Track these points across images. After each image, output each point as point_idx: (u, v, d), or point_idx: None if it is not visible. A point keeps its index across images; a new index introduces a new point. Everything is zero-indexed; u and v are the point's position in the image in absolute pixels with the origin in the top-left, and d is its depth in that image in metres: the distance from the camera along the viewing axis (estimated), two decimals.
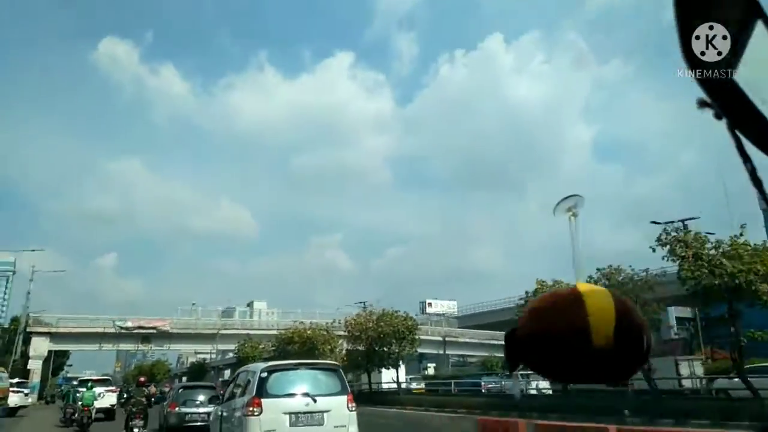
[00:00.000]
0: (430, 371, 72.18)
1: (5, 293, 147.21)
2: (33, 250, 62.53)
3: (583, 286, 1.03)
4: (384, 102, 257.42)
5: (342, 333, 39.07)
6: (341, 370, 10.57)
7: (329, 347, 38.59)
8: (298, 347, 39.71)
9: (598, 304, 0.99)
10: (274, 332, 53.53)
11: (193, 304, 63.59)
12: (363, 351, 35.53)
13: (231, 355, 78.53)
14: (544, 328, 1.02)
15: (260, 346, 50.42)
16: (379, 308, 37.32)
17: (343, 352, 39.86)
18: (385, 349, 34.57)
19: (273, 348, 45.01)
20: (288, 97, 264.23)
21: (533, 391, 32.15)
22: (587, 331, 0.96)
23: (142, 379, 20.61)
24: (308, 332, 39.70)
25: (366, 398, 31.56)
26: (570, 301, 1.00)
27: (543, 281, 25.97)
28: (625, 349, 0.97)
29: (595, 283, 19.34)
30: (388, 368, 36.93)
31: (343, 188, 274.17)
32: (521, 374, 28.43)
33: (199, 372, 71.83)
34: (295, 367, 10.23)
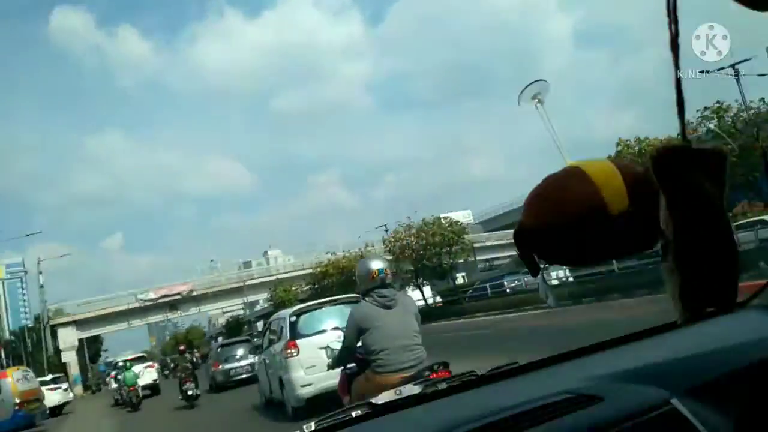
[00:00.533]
0: (459, 281, 70.53)
1: (23, 294, 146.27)
2: (27, 235, 58.52)
3: (579, 162, 0.91)
4: (354, 25, 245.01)
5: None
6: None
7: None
8: (335, 279, 37.00)
9: (602, 172, 0.88)
10: (307, 271, 51.24)
11: (212, 260, 60.88)
12: (411, 268, 32.59)
13: (261, 305, 77.11)
14: (554, 213, 0.88)
15: (293, 288, 48.00)
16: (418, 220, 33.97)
17: None
18: (435, 260, 31.59)
19: (308, 287, 42.49)
20: (254, 38, 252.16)
21: (555, 282, 29.10)
22: (600, 201, 0.85)
23: (182, 347, 21.03)
24: (343, 262, 36.78)
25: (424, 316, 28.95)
26: (572, 178, 0.89)
27: (627, 140, 23.08)
28: (643, 212, 0.86)
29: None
30: (443, 280, 34.20)
31: (328, 122, 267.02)
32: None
33: (235, 329, 70.27)
34: (320, 305, 10.76)
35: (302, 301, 53.86)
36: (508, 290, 31.65)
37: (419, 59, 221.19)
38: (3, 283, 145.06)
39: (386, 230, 50.67)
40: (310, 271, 52.62)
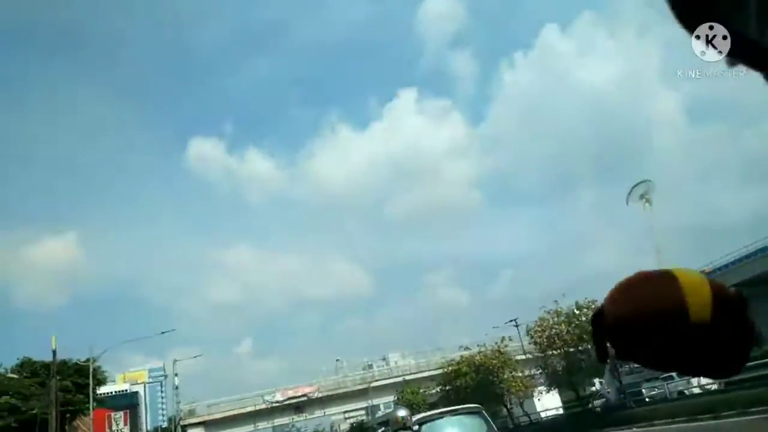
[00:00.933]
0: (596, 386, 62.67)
1: (162, 397, 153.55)
2: (195, 357, 61.88)
3: (673, 268, 0.95)
4: (456, 126, 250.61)
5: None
6: (483, 411, 11.21)
7: (509, 371, 31.90)
8: (468, 380, 33.35)
9: (692, 281, 0.92)
10: (435, 371, 47.86)
11: (338, 359, 59.21)
12: (562, 361, 28.37)
13: (382, 410, 72.86)
14: (635, 306, 0.92)
15: (420, 390, 44.53)
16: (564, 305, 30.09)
17: (525, 373, 33.12)
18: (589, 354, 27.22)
19: (439, 387, 38.93)
20: (366, 148, 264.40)
21: (696, 390, 24.18)
22: (683, 306, 0.89)
23: None
24: (478, 358, 33.21)
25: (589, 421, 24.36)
26: (662, 279, 0.93)
27: None
28: (726, 330, 0.89)
29: None
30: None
31: (439, 222, 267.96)
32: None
33: None
34: (440, 415, 11.03)
35: (432, 404, 50.02)
36: (646, 399, 27.22)
37: (522, 153, 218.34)
38: (145, 387, 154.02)
39: (516, 325, 46.43)
40: (440, 371, 49.11)
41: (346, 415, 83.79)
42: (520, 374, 32.52)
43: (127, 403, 69.85)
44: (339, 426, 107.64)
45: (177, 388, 59.34)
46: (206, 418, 52.87)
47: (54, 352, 25.22)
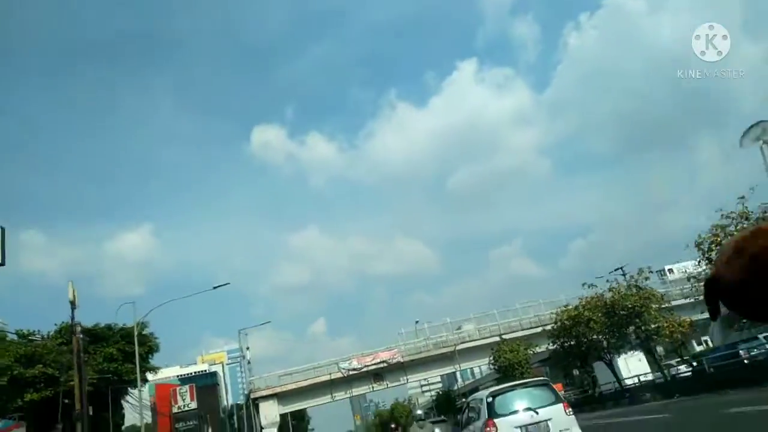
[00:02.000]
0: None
1: (241, 377, 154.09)
2: (263, 323, 58.27)
3: None
4: (520, 94, 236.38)
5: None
6: (551, 383, 12.67)
7: (654, 307, 24.34)
8: (594, 325, 25.91)
9: None
10: (535, 329, 40.82)
11: (417, 321, 52.73)
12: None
13: (477, 375, 66.28)
14: (752, 270, 0.91)
15: (522, 348, 37.37)
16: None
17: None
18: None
19: (550, 341, 31.74)
20: (425, 124, 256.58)
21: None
22: None
23: (393, 426, 19.37)
24: (610, 295, 25.67)
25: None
26: None
27: None
28: None
29: None
30: None
31: (506, 193, 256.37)
32: None
33: (445, 403, 60.22)
34: (512, 388, 12.16)
35: (542, 362, 42.51)
36: (745, 361, 24.29)
37: (590, 116, 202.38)
38: (224, 367, 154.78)
39: (624, 273, 38.13)
40: (539, 328, 41.77)
41: (424, 388, 77.60)
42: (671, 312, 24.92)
43: (208, 382, 68.33)
44: (417, 400, 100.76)
45: (249, 362, 55.15)
46: (278, 389, 47.89)
47: (72, 303, 19.82)
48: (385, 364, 48.88)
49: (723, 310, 0.98)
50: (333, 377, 48.31)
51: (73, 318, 20.32)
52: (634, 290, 25.06)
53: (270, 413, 46.87)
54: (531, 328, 48.15)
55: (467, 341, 50.92)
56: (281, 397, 48.42)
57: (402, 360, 49.14)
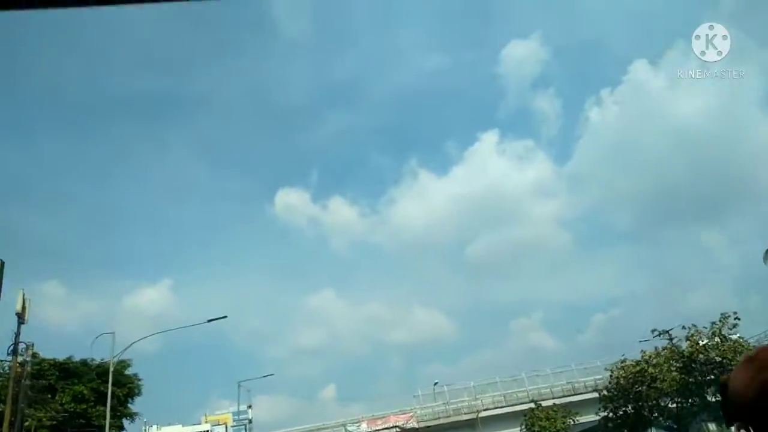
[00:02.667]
0: None
1: None
2: (265, 376, 52.49)
3: None
4: (541, 166, 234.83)
5: None
6: None
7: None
8: (664, 382, 21.05)
9: None
10: (570, 398, 35.51)
11: (436, 383, 47.32)
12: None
13: None
14: (759, 389, 0.90)
15: (559, 416, 32.07)
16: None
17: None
18: None
19: (601, 406, 26.62)
20: (446, 193, 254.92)
21: None
22: None
23: None
24: (688, 345, 20.98)
25: None
26: None
27: None
28: None
29: None
30: None
31: (525, 264, 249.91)
32: None
33: None
34: None
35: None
36: None
37: (612, 190, 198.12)
38: (227, 429, 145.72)
39: (671, 338, 33.19)
40: (583, 396, 36.52)
41: None
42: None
43: None
44: None
45: (251, 421, 50.41)
46: None
47: (19, 316, 15.61)
48: (398, 430, 43.34)
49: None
50: None
51: (18, 336, 16.10)
52: (718, 341, 20.31)
53: None
54: (565, 396, 42.63)
55: (491, 408, 45.29)
56: None
57: (417, 426, 43.60)
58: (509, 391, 46.57)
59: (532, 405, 37.95)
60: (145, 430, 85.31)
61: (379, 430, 43.09)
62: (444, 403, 45.57)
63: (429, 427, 44.14)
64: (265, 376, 42.74)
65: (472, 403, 45.64)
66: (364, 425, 43.29)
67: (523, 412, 36.83)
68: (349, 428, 43.18)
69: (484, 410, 44.79)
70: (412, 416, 43.96)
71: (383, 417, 44.10)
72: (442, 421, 44.26)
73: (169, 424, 71.52)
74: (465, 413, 44.73)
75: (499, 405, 45.47)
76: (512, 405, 44.91)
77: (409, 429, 43.44)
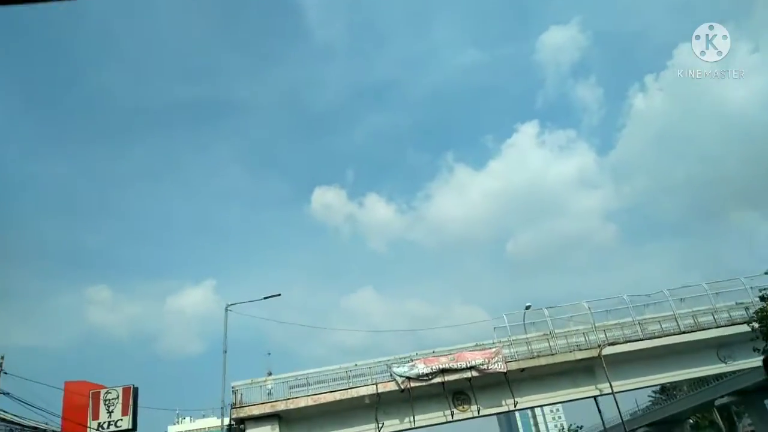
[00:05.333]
0: None
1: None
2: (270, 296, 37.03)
3: None
4: (583, 157, 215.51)
5: None
6: None
7: None
8: None
9: None
10: None
11: (528, 306, 30.68)
12: None
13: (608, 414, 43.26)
14: None
15: None
16: None
17: None
18: None
19: None
20: (484, 187, 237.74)
21: None
22: None
23: None
24: None
25: None
26: None
27: None
28: None
29: None
30: None
31: (568, 258, 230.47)
32: None
33: None
34: None
35: None
36: None
37: (658, 180, 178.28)
38: None
39: None
40: None
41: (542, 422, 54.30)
42: None
43: None
44: None
45: None
46: (281, 406, 26.66)
47: None
48: (475, 374, 27.07)
49: None
50: (381, 391, 26.80)
51: None
52: None
53: None
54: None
55: (622, 342, 28.53)
56: (287, 420, 27.17)
57: (505, 369, 27.21)
58: (645, 317, 29.73)
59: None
60: (178, 420, 74.76)
61: (445, 370, 26.94)
62: (546, 335, 28.99)
63: (523, 371, 27.74)
64: (269, 297, 27.18)
65: (591, 337, 28.93)
66: (420, 365, 27.18)
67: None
68: (396, 369, 27.16)
69: (609, 345, 28.13)
70: (496, 353, 27.63)
71: (451, 354, 27.86)
72: (544, 361, 27.78)
73: (203, 416, 70.06)
74: (582, 349, 28.17)
75: (633, 337, 28.71)
76: (651, 338, 28.31)
77: (492, 372, 27.14)
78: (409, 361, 27.67)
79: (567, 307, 29.90)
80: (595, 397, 28.76)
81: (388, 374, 27.43)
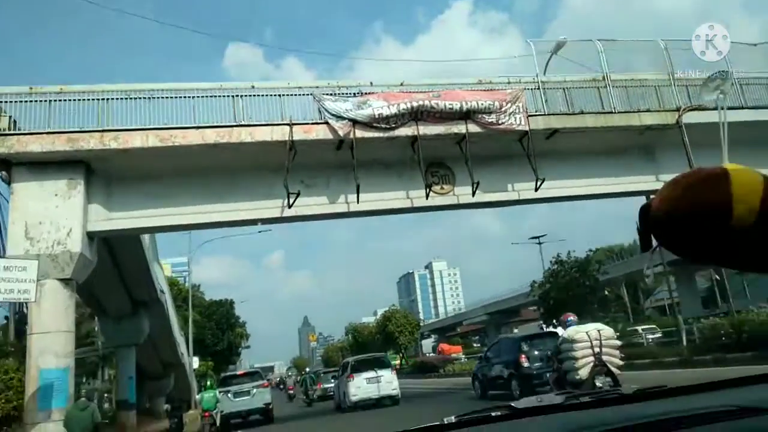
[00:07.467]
0: None
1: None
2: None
3: (735, 167, 0.92)
4: (513, 42, 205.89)
5: None
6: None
7: None
8: None
9: (745, 181, 0.89)
10: None
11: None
12: None
13: None
14: (682, 202, 0.91)
15: None
16: None
17: None
18: None
19: None
20: (409, 66, 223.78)
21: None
22: (727, 208, 0.87)
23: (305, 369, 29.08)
24: None
25: None
26: (714, 178, 0.89)
27: None
28: (762, 231, 0.88)
29: None
30: None
31: None
32: None
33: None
34: (369, 358, 20.40)
35: None
36: None
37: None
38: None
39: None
40: None
41: None
42: None
43: None
44: None
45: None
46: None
47: None
48: (474, 128, 14.70)
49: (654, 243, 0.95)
50: (299, 138, 13.81)
51: None
52: None
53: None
54: None
55: (711, 108, 16.71)
56: (103, 174, 13.69)
57: (526, 125, 14.96)
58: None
59: None
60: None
61: (415, 111, 14.13)
62: (595, 81, 16.69)
63: (552, 134, 15.61)
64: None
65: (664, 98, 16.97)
66: (376, 101, 14.17)
67: None
68: (330, 105, 13.98)
69: (693, 110, 16.34)
70: (515, 96, 15.11)
71: (432, 90, 14.92)
72: (590, 121, 15.73)
73: None
74: (651, 111, 16.29)
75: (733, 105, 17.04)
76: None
77: (501, 127, 14.75)
78: (357, 94, 14.61)
79: (631, 43, 17.42)
80: (647, 194, 17.40)
81: (317, 111, 14.31)
